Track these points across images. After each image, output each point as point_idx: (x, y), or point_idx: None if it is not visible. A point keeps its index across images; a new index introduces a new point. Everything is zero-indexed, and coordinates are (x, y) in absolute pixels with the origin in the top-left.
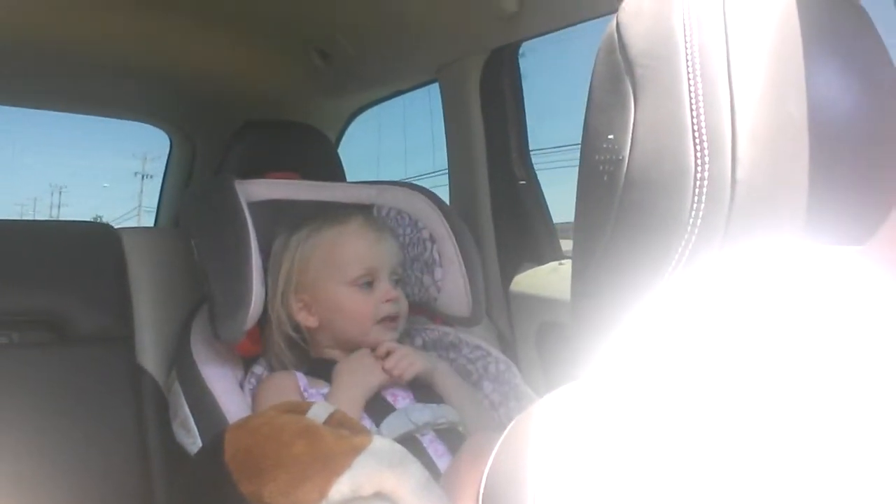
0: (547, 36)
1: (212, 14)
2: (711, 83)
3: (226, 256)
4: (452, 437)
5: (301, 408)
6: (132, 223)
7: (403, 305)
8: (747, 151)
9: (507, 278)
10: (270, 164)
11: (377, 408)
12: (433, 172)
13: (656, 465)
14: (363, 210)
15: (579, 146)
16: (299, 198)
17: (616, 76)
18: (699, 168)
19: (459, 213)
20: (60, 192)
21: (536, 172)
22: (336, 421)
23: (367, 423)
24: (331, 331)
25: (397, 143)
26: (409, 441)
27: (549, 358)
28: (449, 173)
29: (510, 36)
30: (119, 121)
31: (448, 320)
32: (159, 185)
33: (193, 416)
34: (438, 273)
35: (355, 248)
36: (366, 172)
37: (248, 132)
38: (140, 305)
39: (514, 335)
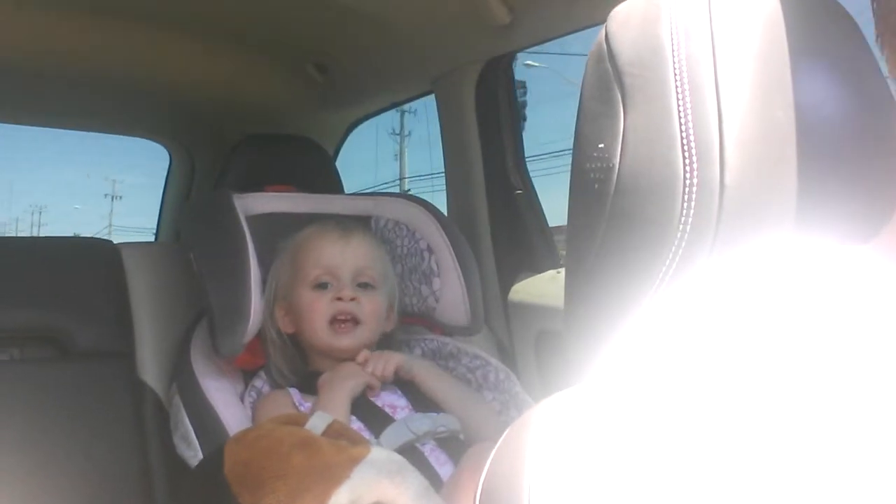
0: None
1: (210, 30)
2: (699, 90)
3: (224, 270)
4: (453, 446)
5: (299, 419)
6: None
7: (366, 309)
8: (735, 157)
9: (505, 287)
10: (269, 177)
11: (376, 419)
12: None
13: (652, 471)
14: (353, 220)
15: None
16: (298, 210)
17: (605, 85)
18: (688, 175)
19: (457, 223)
20: (41, 212)
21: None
22: (334, 432)
23: (367, 434)
24: (302, 337)
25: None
26: (410, 451)
27: (547, 366)
28: (446, 183)
29: (504, 46)
30: (91, 143)
31: (447, 330)
32: (127, 205)
33: (194, 429)
34: (437, 283)
35: (315, 249)
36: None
37: (247, 146)
38: (140, 320)
39: (513, 344)
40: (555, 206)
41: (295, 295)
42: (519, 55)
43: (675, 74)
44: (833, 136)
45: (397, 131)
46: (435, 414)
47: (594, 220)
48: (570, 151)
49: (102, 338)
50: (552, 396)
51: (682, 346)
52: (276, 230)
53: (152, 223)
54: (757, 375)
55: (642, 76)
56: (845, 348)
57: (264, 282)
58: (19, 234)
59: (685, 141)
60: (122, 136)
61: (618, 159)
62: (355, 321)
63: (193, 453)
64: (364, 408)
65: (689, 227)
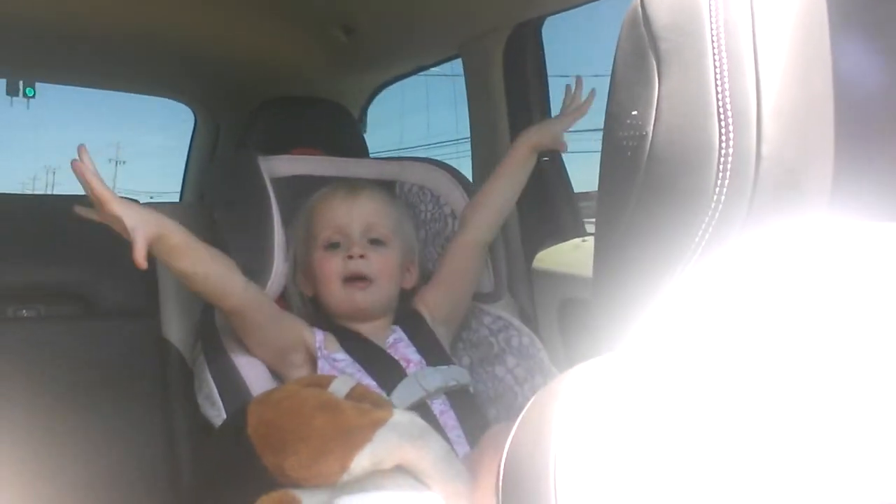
0: None
1: None
2: (737, 58)
3: (248, 231)
4: (463, 403)
5: (323, 382)
6: None
7: (376, 267)
8: (772, 128)
9: (529, 255)
10: (294, 140)
11: (389, 373)
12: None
13: (680, 442)
14: (376, 184)
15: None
16: (322, 174)
17: (640, 51)
18: (724, 144)
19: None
20: (54, 174)
21: None
22: (357, 394)
23: (379, 391)
24: (320, 299)
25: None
26: (422, 409)
27: (570, 335)
28: (472, 149)
29: (533, 11)
30: (95, 109)
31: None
32: (132, 169)
33: (218, 389)
34: None
35: (324, 210)
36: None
37: (272, 108)
38: (165, 279)
39: (536, 312)
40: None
41: (309, 258)
42: None
43: (713, 41)
44: (872, 109)
45: None
46: (445, 367)
47: (626, 188)
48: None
49: (127, 296)
50: (579, 366)
51: (712, 319)
52: (300, 193)
53: (156, 188)
54: (787, 351)
55: (678, 42)
56: (874, 326)
57: (287, 244)
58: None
59: (721, 109)
60: (127, 97)
61: (651, 127)
62: (367, 279)
63: (217, 413)
64: (378, 359)
65: (723, 198)
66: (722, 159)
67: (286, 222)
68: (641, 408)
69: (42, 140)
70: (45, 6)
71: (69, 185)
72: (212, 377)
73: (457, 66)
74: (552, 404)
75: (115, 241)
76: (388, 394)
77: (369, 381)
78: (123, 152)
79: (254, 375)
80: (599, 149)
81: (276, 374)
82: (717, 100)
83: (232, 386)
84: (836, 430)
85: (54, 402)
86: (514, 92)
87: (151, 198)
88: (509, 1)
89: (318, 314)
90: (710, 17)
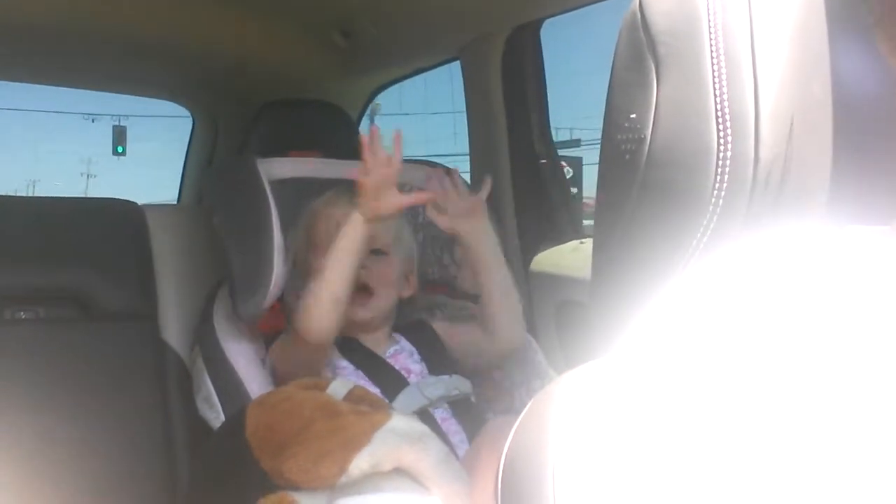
0: None
1: None
2: (735, 62)
3: (247, 234)
4: (465, 411)
5: (321, 384)
6: None
7: (376, 277)
8: (770, 131)
9: (527, 257)
10: (292, 142)
11: (391, 382)
12: None
13: (677, 444)
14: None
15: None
16: (320, 176)
17: (638, 54)
18: (722, 147)
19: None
20: (34, 186)
21: None
22: (355, 397)
23: (379, 395)
24: None
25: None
26: (424, 417)
27: (568, 337)
28: (470, 151)
29: (532, 13)
30: (67, 124)
31: (468, 298)
32: (101, 182)
33: (216, 391)
34: (458, 251)
35: (325, 219)
36: None
37: (271, 111)
38: (164, 282)
39: (534, 314)
40: None
41: (310, 264)
42: None
43: (711, 45)
44: (869, 113)
45: None
46: (447, 377)
47: (624, 191)
48: None
49: (126, 298)
50: (577, 369)
51: (710, 322)
52: (299, 195)
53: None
54: (784, 354)
55: (677, 46)
56: (872, 329)
57: (286, 247)
58: None
59: (719, 113)
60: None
61: (650, 130)
62: (368, 291)
63: (215, 415)
64: (380, 369)
65: (721, 201)
66: (720, 162)
67: (284, 225)
68: (639, 410)
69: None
70: (42, 8)
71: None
72: (210, 380)
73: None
74: (550, 407)
75: (113, 243)
76: (391, 401)
77: (373, 389)
78: (94, 167)
79: (252, 378)
80: None
81: (274, 377)
82: (716, 103)
83: (230, 388)
84: (833, 433)
85: (52, 404)
86: (512, 94)
87: None
88: (508, 4)
89: None
90: (709, 20)
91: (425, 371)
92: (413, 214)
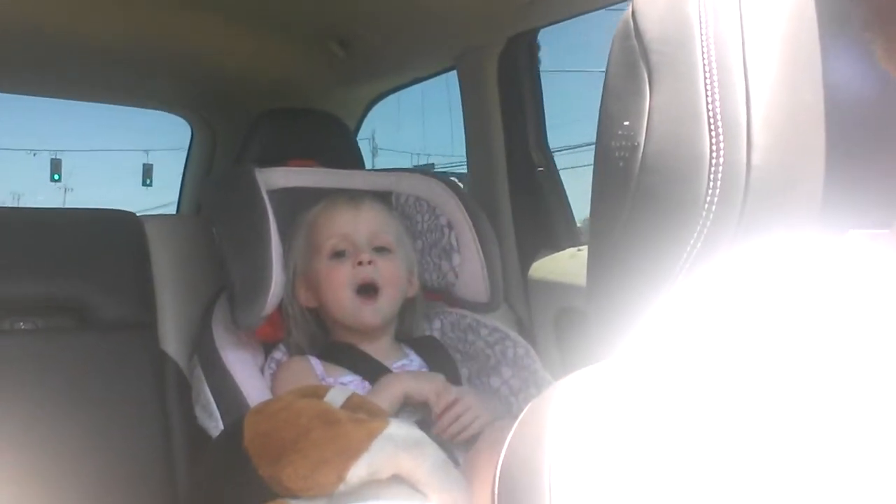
0: None
1: (233, 4)
2: (727, 70)
3: (246, 244)
4: None
5: (319, 392)
6: None
7: (385, 274)
8: (762, 137)
9: (525, 264)
10: (290, 152)
11: None
12: None
13: (673, 450)
14: (372, 195)
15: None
16: (319, 185)
17: (631, 62)
18: (714, 154)
19: (478, 199)
20: (19, 199)
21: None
22: (353, 404)
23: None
24: (325, 311)
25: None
26: (421, 426)
27: (567, 344)
28: (467, 160)
29: (528, 23)
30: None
31: (466, 306)
32: (79, 194)
33: (215, 400)
34: (456, 259)
35: (327, 220)
36: None
37: (268, 121)
38: (162, 291)
39: (533, 321)
40: None
41: (313, 269)
42: None
43: (703, 53)
44: (862, 118)
45: None
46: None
47: (618, 199)
48: None
49: (125, 308)
50: (572, 375)
51: (704, 328)
52: (297, 205)
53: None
54: (779, 360)
55: (669, 54)
56: (867, 335)
57: (285, 255)
58: None
59: (712, 120)
60: (73, 126)
61: (643, 138)
62: (376, 289)
63: (214, 424)
64: (378, 377)
65: (714, 208)
66: (712, 169)
67: (283, 234)
68: (636, 416)
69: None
70: (39, 20)
71: None
72: (209, 388)
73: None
74: (546, 412)
75: (112, 253)
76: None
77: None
78: (72, 180)
79: (251, 386)
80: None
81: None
82: (708, 110)
83: (229, 397)
84: (831, 439)
85: (51, 414)
86: (509, 102)
87: None
88: (504, 13)
89: (318, 327)
90: (701, 28)
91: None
92: (412, 221)
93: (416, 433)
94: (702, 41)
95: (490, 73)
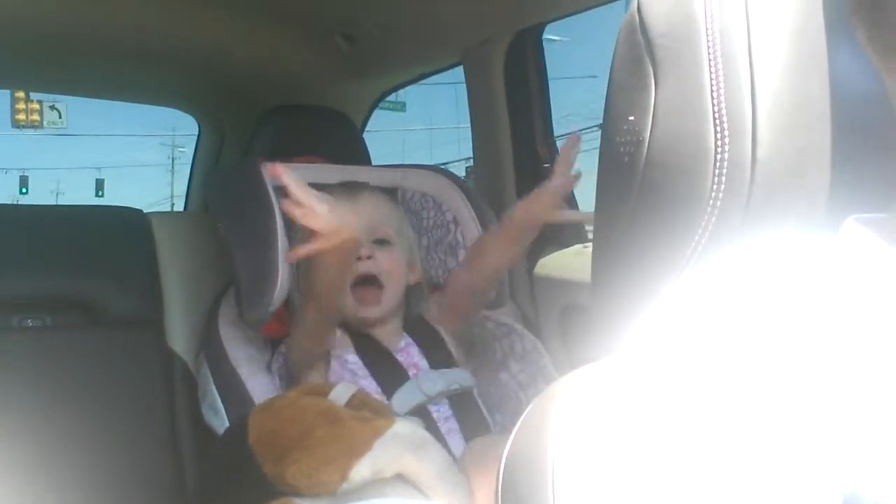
0: None
1: (238, 0)
2: (732, 64)
3: (252, 240)
4: (466, 408)
5: (323, 390)
6: None
7: (385, 267)
8: (768, 132)
9: (531, 261)
10: (296, 147)
11: (391, 378)
12: None
13: (678, 446)
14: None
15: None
16: (325, 181)
17: (637, 57)
18: (719, 149)
19: (484, 195)
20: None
21: None
22: (358, 402)
23: (379, 395)
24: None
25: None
26: (422, 414)
27: (573, 341)
28: (474, 155)
29: (535, 17)
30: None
31: None
32: (69, 199)
33: (221, 398)
34: (462, 255)
35: None
36: None
37: (275, 117)
38: (170, 289)
39: (538, 318)
40: None
41: (314, 263)
42: None
43: (709, 47)
44: (868, 113)
45: None
46: (447, 369)
47: (623, 194)
48: None
49: (132, 306)
50: (576, 371)
51: (710, 323)
52: None
53: None
54: (784, 356)
55: (674, 48)
56: (871, 330)
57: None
58: None
59: (717, 115)
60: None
61: (648, 133)
62: (378, 285)
63: (220, 422)
64: (386, 363)
65: (719, 202)
66: (718, 163)
67: (289, 230)
68: (640, 412)
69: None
70: (46, 16)
71: None
72: (215, 386)
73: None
74: (550, 408)
75: (119, 251)
76: (389, 398)
77: (372, 384)
78: (62, 185)
79: (256, 384)
80: None
81: (281, 382)
82: (713, 105)
83: (235, 395)
84: (832, 435)
85: (59, 411)
86: (515, 97)
87: None
88: (511, 8)
89: None
90: (706, 23)
91: (426, 365)
92: (418, 217)
93: (422, 433)
94: (707, 36)
95: (496, 68)
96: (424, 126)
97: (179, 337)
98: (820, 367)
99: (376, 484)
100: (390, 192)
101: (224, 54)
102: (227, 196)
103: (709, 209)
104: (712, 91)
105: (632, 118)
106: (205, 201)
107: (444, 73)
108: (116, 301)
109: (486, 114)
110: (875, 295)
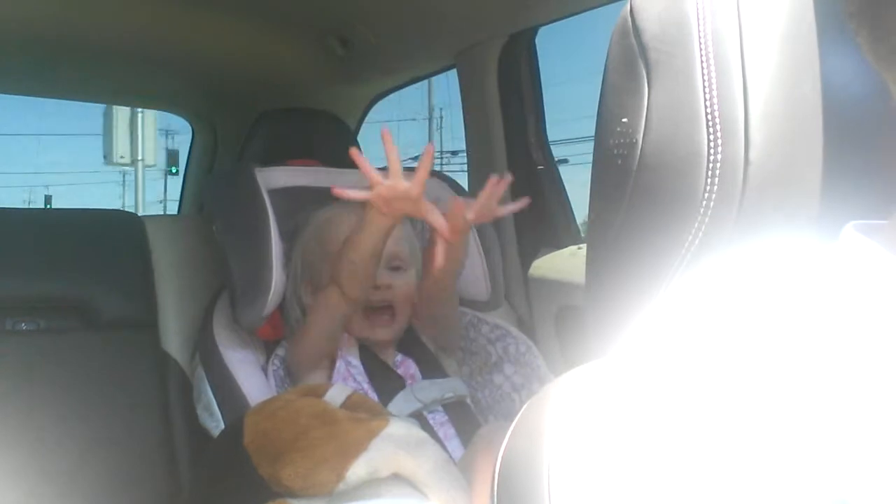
0: None
1: (233, 3)
2: (724, 67)
3: (246, 243)
4: (461, 414)
5: (318, 391)
6: None
7: (400, 295)
8: (760, 134)
9: (525, 263)
10: (291, 151)
11: (388, 385)
12: None
13: (672, 447)
14: None
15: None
16: (319, 184)
17: (630, 60)
18: (712, 151)
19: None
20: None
21: None
22: (353, 403)
23: (376, 400)
24: None
25: None
26: (418, 420)
27: (568, 342)
28: (468, 158)
29: (528, 20)
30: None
31: (467, 304)
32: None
33: (216, 399)
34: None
35: (343, 225)
36: None
37: (269, 120)
38: (164, 292)
39: (533, 319)
40: None
41: (320, 272)
42: None
43: (701, 50)
44: (860, 115)
45: None
46: (441, 379)
47: (617, 196)
48: None
49: (126, 308)
50: (571, 371)
51: (703, 325)
52: (297, 204)
53: None
54: (776, 357)
55: (667, 52)
56: (864, 333)
57: (285, 255)
58: None
59: (710, 117)
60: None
61: (641, 135)
62: (392, 312)
63: (215, 423)
64: (384, 372)
65: (712, 204)
66: (710, 166)
67: (283, 234)
68: (634, 413)
69: None
70: (39, 20)
71: None
72: (210, 388)
73: None
74: (545, 409)
75: (113, 254)
76: (385, 405)
77: (371, 392)
78: (52, 189)
79: (251, 386)
80: None
81: (276, 384)
82: (706, 107)
83: (230, 396)
84: (828, 438)
85: (53, 414)
86: (509, 100)
87: None
88: (504, 11)
89: None
90: (698, 26)
91: (419, 375)
92: (412, 220)
93: (417, 433)
94: (700, 39)
95: (490, 71)
96: None
97: (174, 339)
98: (815, 371)
99: (372, 484)
100: None
101: (218, 58)
102: (222, 200)
103: (702, 211)
104: (705, 93)
105: (625, 120)
106: (198, 204)
107: None
108: (111, 304)
109: (479, 117)
110: (873, 302)
